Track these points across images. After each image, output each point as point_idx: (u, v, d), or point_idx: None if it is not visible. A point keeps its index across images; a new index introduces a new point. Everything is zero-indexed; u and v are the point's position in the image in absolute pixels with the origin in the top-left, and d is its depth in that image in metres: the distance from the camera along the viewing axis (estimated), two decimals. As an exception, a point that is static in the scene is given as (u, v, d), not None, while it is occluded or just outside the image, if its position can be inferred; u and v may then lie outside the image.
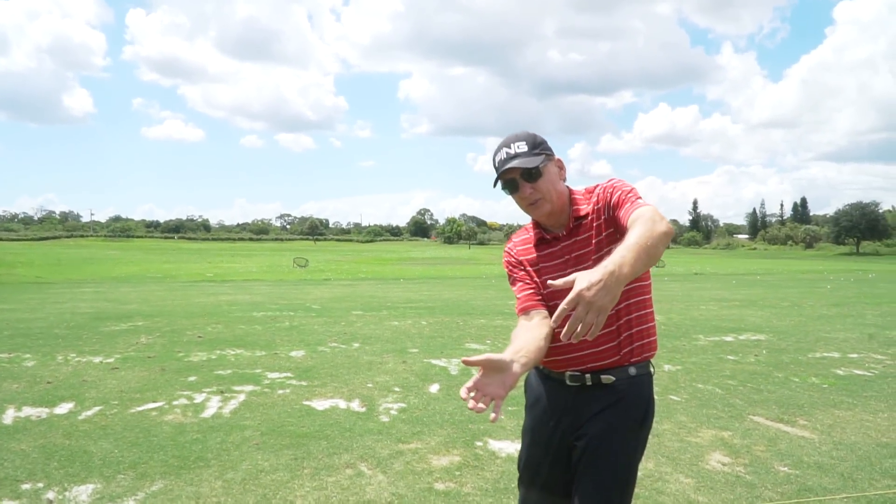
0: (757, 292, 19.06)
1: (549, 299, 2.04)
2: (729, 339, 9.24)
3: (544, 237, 2.10)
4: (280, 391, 5.82)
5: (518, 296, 2.13)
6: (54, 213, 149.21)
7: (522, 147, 1.99)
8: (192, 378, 6.31)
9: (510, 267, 2.21)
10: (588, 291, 1.51)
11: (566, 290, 1.57)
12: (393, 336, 9.18)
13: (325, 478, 3.75)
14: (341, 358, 7.45)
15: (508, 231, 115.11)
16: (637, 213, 1.80)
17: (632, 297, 1.99)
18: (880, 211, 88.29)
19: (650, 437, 2.13)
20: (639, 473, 2.07)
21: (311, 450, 4.21)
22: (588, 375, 2.01)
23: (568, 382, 2.04)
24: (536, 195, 2.01)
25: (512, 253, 2.21)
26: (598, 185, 2.07)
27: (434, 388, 5.99)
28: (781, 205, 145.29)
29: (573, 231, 2.05)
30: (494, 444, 4.33)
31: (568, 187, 2.11)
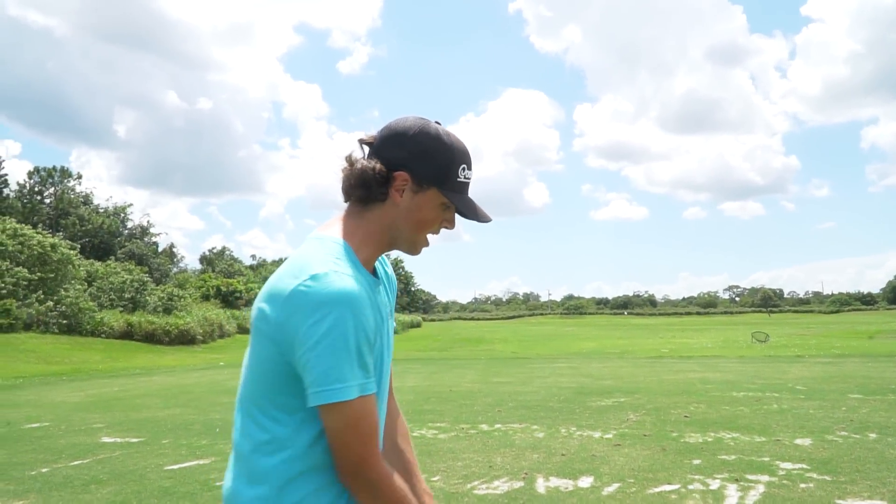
0: None
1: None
2: None
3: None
4: (802, 485, 5.24)
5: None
6: (518, 294, 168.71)
7: None
8: (696, 461, 6.14)
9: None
10: None
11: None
12: (919, 427, 7.64)
13: None
14: (860, 450, 6.44)
15: None
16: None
17: None
18: None
19: None
20: None
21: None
22: None
23: None
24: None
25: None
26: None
27: None
28: None
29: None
30: None
31: None
